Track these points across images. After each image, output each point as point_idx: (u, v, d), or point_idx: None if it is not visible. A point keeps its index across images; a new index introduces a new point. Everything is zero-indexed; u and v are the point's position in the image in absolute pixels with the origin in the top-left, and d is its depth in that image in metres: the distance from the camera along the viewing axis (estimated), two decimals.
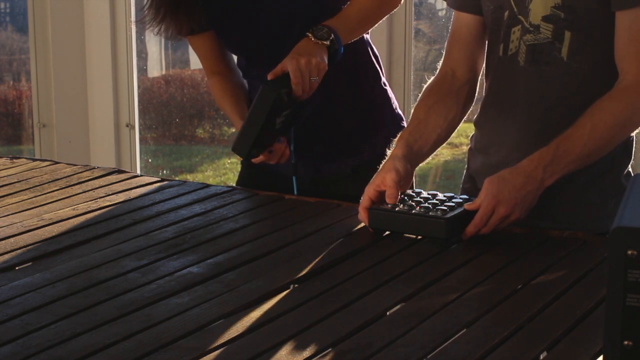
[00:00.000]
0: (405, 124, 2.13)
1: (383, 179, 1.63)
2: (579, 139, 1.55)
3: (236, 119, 2.05)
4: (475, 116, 1.83)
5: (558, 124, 1.60)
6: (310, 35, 1.91)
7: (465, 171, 1.87)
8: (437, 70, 1.82)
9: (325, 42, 1.90)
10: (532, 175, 1.54)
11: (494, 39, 1.73)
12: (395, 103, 2.15)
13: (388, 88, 2.15)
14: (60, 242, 1.62)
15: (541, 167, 1.54)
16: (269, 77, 1.88)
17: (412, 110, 1.78)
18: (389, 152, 1.71)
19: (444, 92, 1.77)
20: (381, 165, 1.68)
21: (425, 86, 1.81)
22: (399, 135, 1.74)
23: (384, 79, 2.15)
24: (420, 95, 1.80)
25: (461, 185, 1.88)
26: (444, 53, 1.82)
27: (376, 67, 2.12)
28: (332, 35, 1.91)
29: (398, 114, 2.14)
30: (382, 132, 2.08)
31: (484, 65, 1.79)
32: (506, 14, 1.68)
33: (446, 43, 1.82)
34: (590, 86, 1.63)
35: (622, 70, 1.59)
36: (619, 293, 0.92)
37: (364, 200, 1.64)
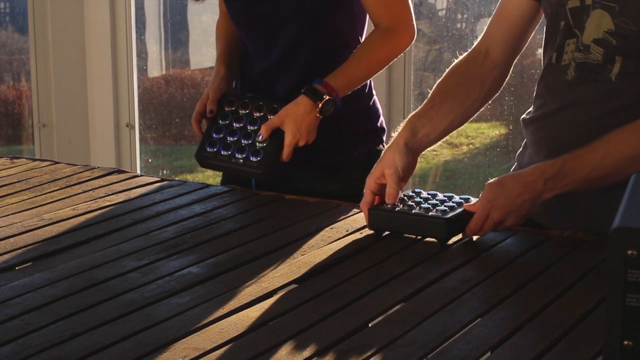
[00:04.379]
0: (385, 137, 2.10)
1: (382, 173, 1.62)
2: (588, 161, 1.49)
3: (218, 58, 2.14)
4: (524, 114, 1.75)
5: (596, 137, 1.52)
6: (308, 97, 1.92)
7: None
8: (470, 49, 1.72)
9: (320, 110, 1.93)
10: (531, 186, 1.50)
11: (550, 43, 1.65)
12: (379, 115, 2.11)
13: (375, 99, 2.10)
14: (60, 242, 1.62)
15: (542, 179, 1.50)
16: (263, 132, 1.93)
17: (432, 89, 1.70)
18: (392, 136, 1.67)
19: (470, 75, 1.70)
20: (382, 153, 1.65)
21: (453, 64, 1.71)
22: (407, 118, 1.68)
23: (369, 89, 2.09)
24: (445, 73, 1.71)
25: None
26: (483, 31, 1.72)
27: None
28: (332, 104, 1.93)
29: (379, 127, 2.10)
30: (356, 145, 2.06)
31: (542, 67, 1.69)
32: (562, 24, 1.61)
33: (489, 21, 1.71)
34: (636, 105, 1.55)
35: None
36: (619, 293, 0.92)
37: (366, 194, 1.64)
